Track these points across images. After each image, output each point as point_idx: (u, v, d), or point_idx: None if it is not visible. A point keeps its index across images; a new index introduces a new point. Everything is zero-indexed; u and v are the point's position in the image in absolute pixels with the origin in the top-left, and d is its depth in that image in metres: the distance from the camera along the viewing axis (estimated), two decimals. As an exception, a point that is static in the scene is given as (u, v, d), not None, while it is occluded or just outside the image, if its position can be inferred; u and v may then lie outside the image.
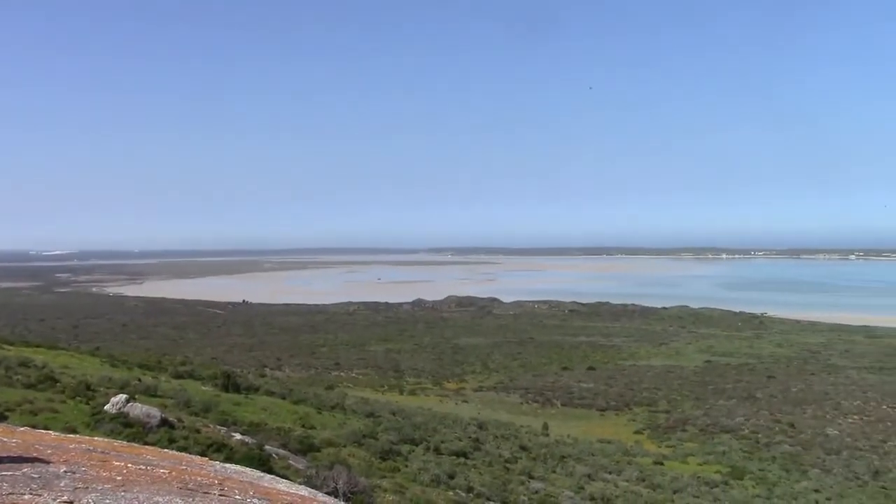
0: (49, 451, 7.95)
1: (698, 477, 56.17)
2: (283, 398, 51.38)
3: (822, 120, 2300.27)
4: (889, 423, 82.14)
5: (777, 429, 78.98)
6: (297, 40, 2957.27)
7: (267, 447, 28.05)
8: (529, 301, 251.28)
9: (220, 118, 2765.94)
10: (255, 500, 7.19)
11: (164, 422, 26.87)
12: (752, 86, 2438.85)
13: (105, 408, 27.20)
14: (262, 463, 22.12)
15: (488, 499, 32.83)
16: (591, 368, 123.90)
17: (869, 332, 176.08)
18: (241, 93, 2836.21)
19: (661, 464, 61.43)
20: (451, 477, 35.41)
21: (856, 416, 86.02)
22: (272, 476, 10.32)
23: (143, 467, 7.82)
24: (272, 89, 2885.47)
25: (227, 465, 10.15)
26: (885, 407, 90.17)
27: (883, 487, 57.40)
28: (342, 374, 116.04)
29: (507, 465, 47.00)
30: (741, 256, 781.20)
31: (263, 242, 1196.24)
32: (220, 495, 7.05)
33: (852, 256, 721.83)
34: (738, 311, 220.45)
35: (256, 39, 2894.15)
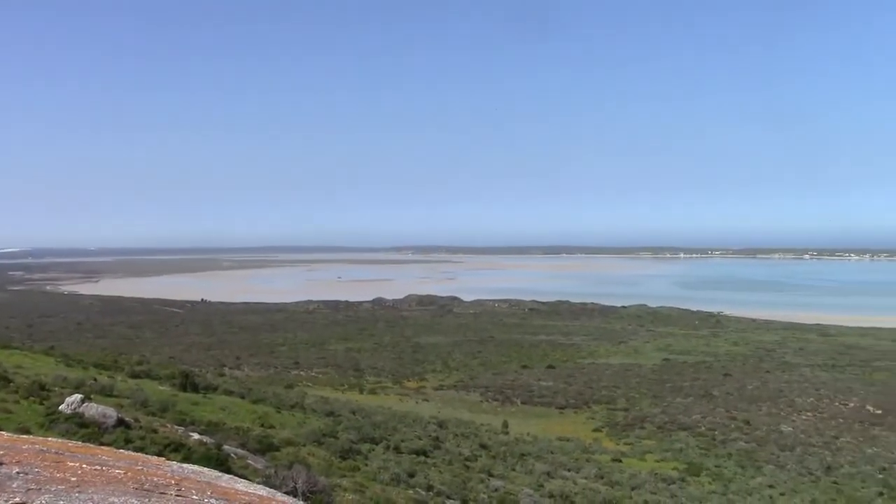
0: (1, 452, 7.82)
1: (656, 474, 56.76)
2: (242, 397, 51.00)
3: (780, 123, 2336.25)
4: (841, 420, 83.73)
5: (733, 426, 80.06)
6: (265, 36, 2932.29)
7: (225, 447, 27.80)
8: (490, 300, 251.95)
9: (178, 115, 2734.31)
10: (212, 500, 7.13)
11: (120, 422, 26.51)
12: (715, 90, 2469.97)
13: (60, 408, 26.78)
14: (221, 463, 21.93)
15: (448, 497, 32.88)
16: (550, 367, 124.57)
17: (822, 330, 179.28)
18: (196, 90, 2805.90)
19: (620, 461, 61.99)
20: (412, 475, 35.40)
21: (809, 413, 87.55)
22: (230, 476, 10.24)
23: (99, 468, 7.72)
24: (230, 86, 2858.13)
25: (185, 466, 10.04)
26: (837, 404, 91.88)
27: (835, 482, 58.50)
28: (302, 373, 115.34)
29: (467, 463, 47.10)
30: (698, 256, 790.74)
31: (223, 241, 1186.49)
32: (177, 495, 6.98)
33: (806, 256, 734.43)
34: (695, 309, 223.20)
35: (223, 36, 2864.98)
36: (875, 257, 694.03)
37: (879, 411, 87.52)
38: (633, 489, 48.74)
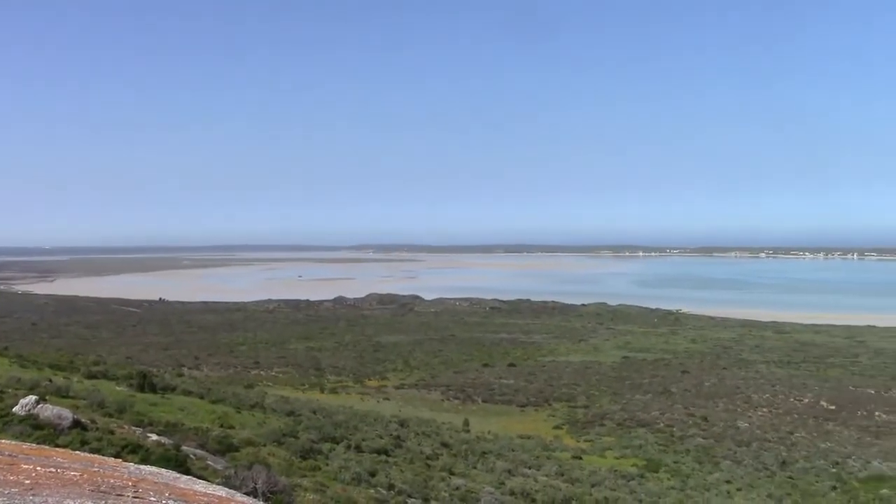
0: (-47, 455, 7.67)
1: (615, 470, 57.28)
2: (202, 398, 50.49)
3: (736, 123, 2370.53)
4: (796, 416, 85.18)
5: (691, 422, 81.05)
6: (232, 33, 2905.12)
7: (184, 448, 27.51)
8: (451, 298, 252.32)
9: (132, 112, 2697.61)
10: (170, 502, 7.06)
11: (76, 423, 26.12)
12: (680, 93, 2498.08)
13: (13, 410, 26.28)
14: (180, 464, 21.70)
15: (409, 496, 32.88)
16: (511, 365, 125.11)
17: (777, 327, 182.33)
18: (154, 87, 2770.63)
19: (580, 458, 62.48)
20: (373, 475, 35.34)
21: (765, 409, 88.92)
22: (189, 477, 10.15)
23: (54, 470, 7.60)
24: (188, 83, 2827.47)
25: (143, 467, 9.94)
26: (792, 400, 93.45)
27: (790, 477, 59.53)
28: (262, 372, 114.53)
29: (429, 461, 47.12)
30: (657, 254, 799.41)
31: (181, 239, 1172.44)
32: (135, 497, 6.91)
33: (762, 254, 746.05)
34: (654, 307, 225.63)
35: (181, 31, 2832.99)
36: (829, 256, 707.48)
37: (833, 407, 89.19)
38: (592, 486, 49.14)
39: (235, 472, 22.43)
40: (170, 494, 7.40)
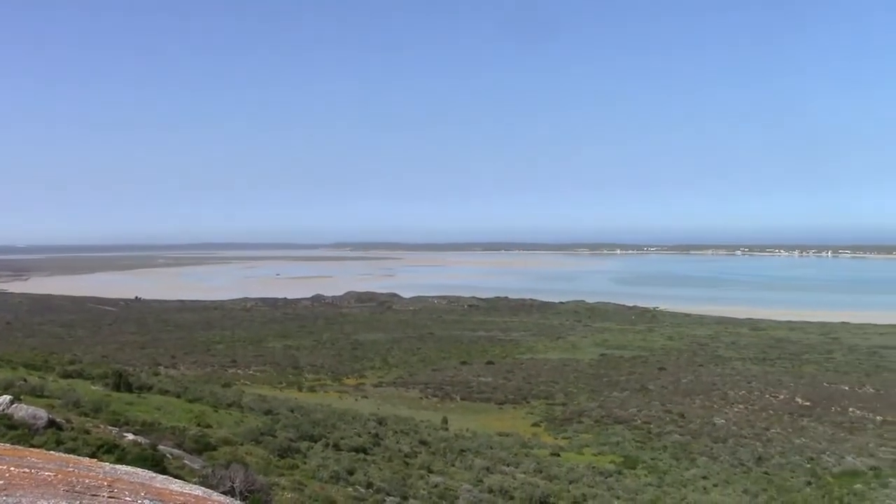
0: (-76, 456, 7.58)
1: (593, 467, 57.48)
2: (178, 397, 50.15)
3: (713, 122, 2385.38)
4: (771, 412, 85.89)
5: (668, 419, 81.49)
6: (200, 30, 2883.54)
7: (161, 447, 27.35)
8: (429, 296, 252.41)
9: (108, 109, 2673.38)
10: (146, 501, 7.02)
11: (51, 423, 25.91)
12: (649, 92, 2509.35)
13: (-13, 410, 26.01)
14: (156, 463, 21.56)
15: (388, 494, 32.86)
16: (489, 363, 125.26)
17: (753, 324, 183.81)
18: (128, 83, 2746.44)
19: (558, 455, 62.64)
20: (351, 473, 35.29)
21: (741, 406, 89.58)
22: (165, 476, 10.10)
23: (28, 470, 7.53)
24: (163, 80, 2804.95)
25: (118, 467, 9.87)
26: (767, 396, 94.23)
27: (766, 473, 60.02)
28: (239, 371, 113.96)
29: (407, 459, 47.10)
30: (635, 252, 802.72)
31: (158, 238, 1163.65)
32: (110, 497, 6.86)
33: (738, 252, 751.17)
34: (631, 305, 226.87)
35: (143, 27, 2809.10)
36: (804, 253, 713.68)
37: (808, 403, 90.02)
38: (570, 483, 49.31)
39: (213, 472, 22.33)
40: (145, 494, 7.36)
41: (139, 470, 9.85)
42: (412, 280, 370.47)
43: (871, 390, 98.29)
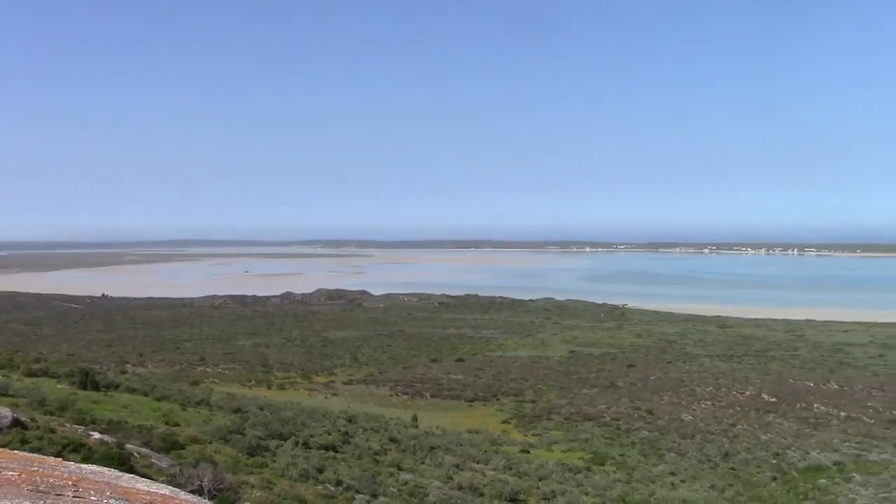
0: None
1: (563, 464, 57.77)
2: (146, 395, 49.71)
3: (682, 124, 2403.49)
4: (738, 408, 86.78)
5: (636, 415, 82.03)
6: (174, 27, 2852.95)
7: (128, 446, 27.10)
8: (399, 294, 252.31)
9: (77, 104, 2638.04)
10: (112, 501, 6.97)
11: (15, 422, 25.58)
12: (614, 95, 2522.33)
13: (-51, 409, 25.64)
14: (123, 462, 21.36)
15: (358, 491, 32.80)
16: (459, 360, 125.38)
17: (720, 322, 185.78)
18: (101, 79, 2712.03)
19: (528, 452, 62.84)
20: (321, 471, 35.18)
21: (708, 402, 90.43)
22: (132, 475, 10.00)
23: (-9, 470, 7.44)
24: (138, 75, 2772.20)
25: (84, 466, 9.77)
26: (734, 393, 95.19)
27: (732, 468, 60.68)
28: (208, 369, 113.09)
29: (377, 457, 47.04)
30: (604, 250, 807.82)
31: (126, 235, 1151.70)
32: (75, 497, 6.80)
33: (706, 250, 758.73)
34: (601, 302, 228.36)
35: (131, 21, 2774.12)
36: (770, 252, 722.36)
37: (774, 399, 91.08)
38: (540, 479, 49.51)
39: (181, 470, 22.20)
40: (111, 493, 7.30)
41: (105, 469, 9.76)
42: (382, 278, 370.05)
43: (835, 386, 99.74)
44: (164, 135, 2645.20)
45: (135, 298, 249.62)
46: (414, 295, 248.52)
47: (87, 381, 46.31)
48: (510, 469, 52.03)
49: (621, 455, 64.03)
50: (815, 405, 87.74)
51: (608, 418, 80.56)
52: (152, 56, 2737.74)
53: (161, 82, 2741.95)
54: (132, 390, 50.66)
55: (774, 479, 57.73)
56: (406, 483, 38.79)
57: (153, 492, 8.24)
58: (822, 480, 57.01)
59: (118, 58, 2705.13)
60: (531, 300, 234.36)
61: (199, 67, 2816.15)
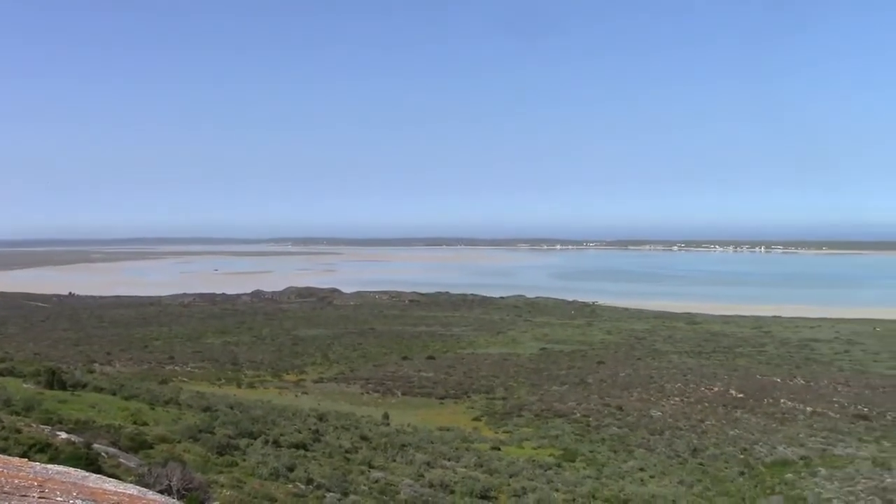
0: None
1: (533, 460, 57.98)
2: (114, 394, 49.23)
3: (660, 124, 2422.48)
4: (706, 404, 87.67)
5: (606, 412, 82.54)
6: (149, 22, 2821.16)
7: (96, 446, 26.83)
8: (370, 291, 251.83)
9: (44, 99, 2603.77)
10: (78, 502, 6.90)
11: (-21, 423, 25.22)
12: (586, 96, 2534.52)
13: (-89, 409, 25.23)
14: (90, 462, 21.15)
15: (328, 490, 32.72)
16: (430, 358, 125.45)
17: (689, 318, 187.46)
18: (70, 75, 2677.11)
19: (499, 449, 63.00)
20: (291, 469, 35.04)
21: (677, 398, 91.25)
22: (98, 476, 9.91)
23: (-46, 471, 7.33)
24: (106, 70, 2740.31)
25: (50, 466, 9.65)
26: (703, 389, 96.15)
27: (700, 464, 61.29)
28: (177, 368, 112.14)
29: (348, 455, 46.94)
30: (574, 247, 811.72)
31: (92, 232, 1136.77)
32: (40, 497, 6.72)
33: (675, 247, 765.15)
34: (571, 299, 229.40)
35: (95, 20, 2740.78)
36: (737, 249, 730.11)
37: (741, 395, 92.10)
38: (511, 476, 49.65)
39: (149, 470, 22.02)
40: (78, 494, 7.22)
41: (71, 469, 9.66)
42: (353, 275, 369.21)
43: (802, 382, 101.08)
44: (126, 132, 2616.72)
45: (102, 297, 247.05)
46: (385, 293, 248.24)
47: (54, 380, 45.79)
48: (481, 466, 52.13)
49: (591, 451, 64.38)
50: (782, 400, 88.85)
51: (578, 415, 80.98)
52: (120, 54, 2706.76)
53: (125, 78, 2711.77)
54: (100, 389, 50.17)
55: (742, 473, 58.40)
56: (377, 481, 38.76)
57: (120, 492, 8.17)
58: (789, 475, 57.76)
59: (80, 56, 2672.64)
60: (502, 298, 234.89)
61: (169, 64, 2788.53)
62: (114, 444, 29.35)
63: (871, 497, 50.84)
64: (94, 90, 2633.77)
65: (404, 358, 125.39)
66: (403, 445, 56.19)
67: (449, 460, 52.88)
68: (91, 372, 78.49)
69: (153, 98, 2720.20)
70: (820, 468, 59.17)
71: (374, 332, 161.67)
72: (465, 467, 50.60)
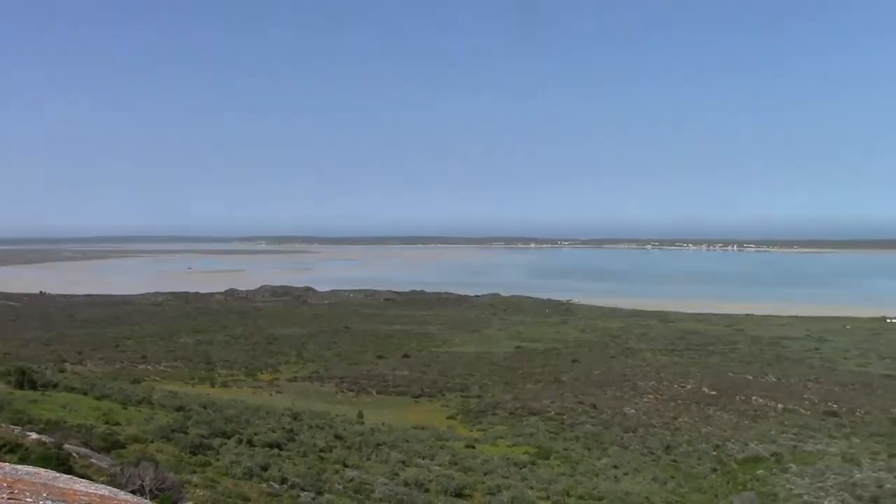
0: None
1: (507, 458, 58.19)
2: (85, 394, 48.82)
3: (623, 121, 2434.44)
4: (679, 402, 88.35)
5: (580, 410, 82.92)
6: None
7: (67, 446, 26.57)
8: (345, 290, 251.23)
9: (8, 91, 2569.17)
10: (48, 503, 6.85)
11: (-52, 423, 24.92)
12: (554, 89, 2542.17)
13: None
14: (61, 463, 20.96)
15: (303, 489, 32.64)
16: (406, 356, 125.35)
17: (662, 317, 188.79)
18: (43, 66, 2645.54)
19: (473, 447, 63.15)
20: (265, 469, 34.93)
21: (650, 396, 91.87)
22: (69, 476, 9.83)
23: (-78, 472, 7.26)
24: (80, 64, 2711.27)
25: (19, 467, 9.57)
26: (675, 386, 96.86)
27: (674, 460, 61.81)
28: (149, 367, 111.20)
29: (322, 454, 46.85)
30: (549, 246, 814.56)
31: (63, 231, 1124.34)
32: (10, 498, 6.67)
33: (648, 246, 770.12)
34: (546, 298, 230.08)
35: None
36: (710, 247, 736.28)
37: (714, 392, 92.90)
38: (485, 474, 49.80)
39: (121, 470, 21.84)
40: (48, 495, 7.17)
41: (42, 470, 9.57)
42: (327, 274, 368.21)
43: (773, 379, 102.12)
44: (100, 130, 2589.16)
45: (74, 296, 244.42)
46: (360, 291, 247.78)
47: (25, 380, 45.36)
48: (456, 464, 52.24)
49: (566, 449, 64.69)
50: (754, 398, 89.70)
51: (553, 413, 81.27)
52: (56, 38, 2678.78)
53: (89, 69, 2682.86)
54: (71, 389, 49.73)
55: (714, 470, 58.96)
56: (351, 480, 38.72)
57: (91, 492, 8.12)
58: (761, 471, 58.40)
59: (41, 42, 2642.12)
60: (477, 296, 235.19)
61: (149, 53, 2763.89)
62: (85, 445, 29.10)
63: (840, 493, 51.52)
64: (46, 84, 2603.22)
65: (379, 357, 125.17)
66: (378, 444, 56.15)
67: (424, 459, 52.93)
68: (62, 371, 77.83)
69: (116, 94, 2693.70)
70: (791, 464, 59.85)
71: (350, 330, 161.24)
72: (440, 465, 50.68)
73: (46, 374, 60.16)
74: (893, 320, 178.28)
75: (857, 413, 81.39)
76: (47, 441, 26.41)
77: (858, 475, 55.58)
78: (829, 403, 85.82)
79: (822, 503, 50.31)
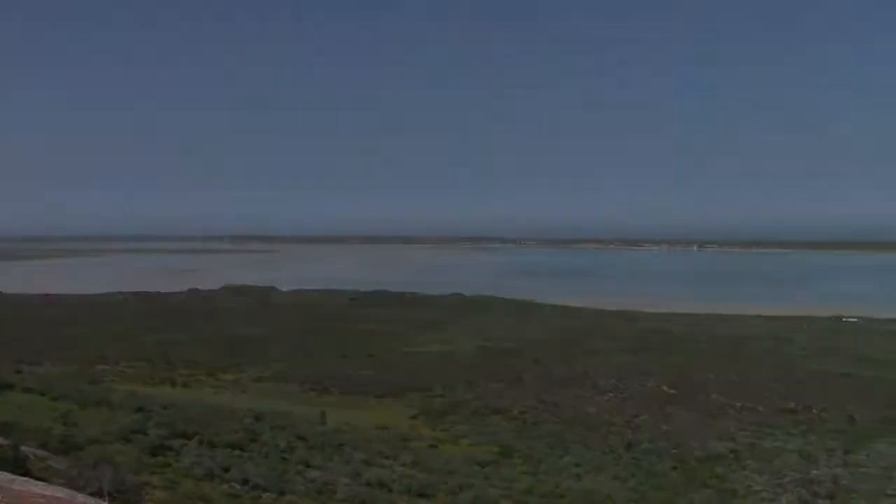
0: None
1: (470, 457, 58.42)
2: (42, 395, 48.15)
3: (588, 118, 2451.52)
4: (640, 400, 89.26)
5: (543, 409, 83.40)
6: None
7: (23, 448, 26.22)
8: (309, 290, 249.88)
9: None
10: (4, 505, 6.79)
11: None
12: (531, 85, 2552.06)
13: None
14: (18, 465, 20.68)
15: (264, 490, 32.53)
16: (369, 356, 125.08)
17: (625, 316, 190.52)
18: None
19: (436, 447, 63.32)
20: (226, 470, 34.74)
21: (612, 394, 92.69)
22: (26, 478, 9.75)
23: None
24: (40, 58, 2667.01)
25: (-26, 470, 9.45)
26: (637, 385, 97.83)
27: (635, 458, 62.44)
28: (109, 367, 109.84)
29: (284, 455, 46.65)
30: (513, 245, 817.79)
31: (18, 229, 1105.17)
32: (-36, 501, 6.60)
33: (611, 246, 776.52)
34: (509, 297, 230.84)
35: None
36: (672, 248, 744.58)
37: (674, 391, 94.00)
38: (448, 474, 49.94)
39: (79, 472, 21.60)
40: (3, 498, 7.12)
41: (-3, 472, 9.48)
42: (291, 273, 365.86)
43: (733, 378, 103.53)
44: (51, 121, 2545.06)
45: (30, 295, 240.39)
46: (323, 290, 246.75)
47: (-21, 381, 44.57)
48: (419, 464, 52.31)
49: (528, 448, 65.02)
50: (714, 396, 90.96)
51: (515, 412, 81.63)
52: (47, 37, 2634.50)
53: (48, 59, 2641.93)
54: (28, 390, 49.05)
55: (675, 468, 59.70)
56: (314, 480, 38.64)
57: (49, 495, 8.07)
58: (720, 469, 59.28)
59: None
60: (441, 296, 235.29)
61: (101, 45, 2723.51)
62: (43, 446, 28.75)
63: (797, 489, 52.50)
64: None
65: (343, 356, 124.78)
66: (341, 444, 56.05)
67: (387, 459, 52.95)
68: (19, 372, 76.57)
69: (70, 87, 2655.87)
70: (749, 461, 60.84)
71: (313, 330, 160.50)
72: (403, 465, 50.72)
73: (2, 375, 59.16)
74: (849, 320, 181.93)
75: (814, 410, 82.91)
76: (3, 443, 26.03)
77: (815, 472, 56.67)
78: (787, 401, 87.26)
79: (780, 500, 51.23)
